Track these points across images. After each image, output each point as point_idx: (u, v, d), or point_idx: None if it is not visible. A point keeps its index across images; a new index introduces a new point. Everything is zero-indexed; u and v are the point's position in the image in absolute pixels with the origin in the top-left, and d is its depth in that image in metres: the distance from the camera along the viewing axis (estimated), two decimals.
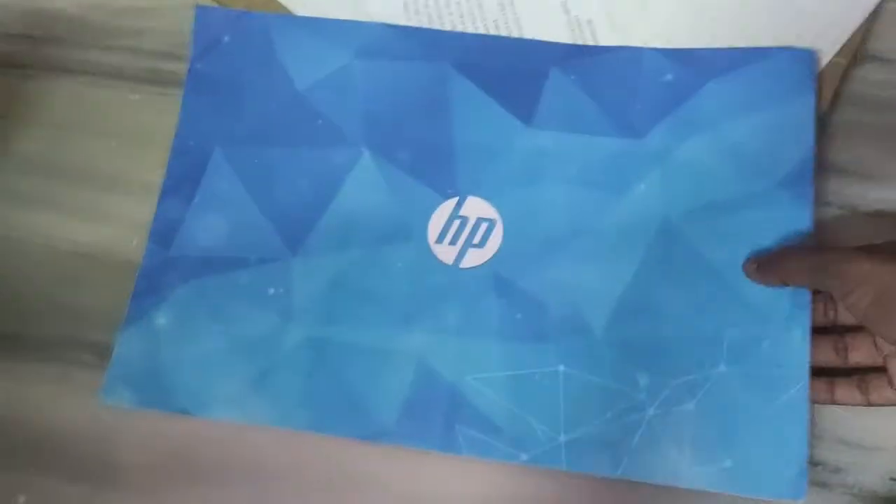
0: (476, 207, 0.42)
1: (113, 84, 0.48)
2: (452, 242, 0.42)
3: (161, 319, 0.41)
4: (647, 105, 0.43)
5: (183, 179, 0.44)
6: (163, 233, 0.43)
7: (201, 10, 0.47)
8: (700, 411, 0.38)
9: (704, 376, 0.38)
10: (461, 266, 0.41)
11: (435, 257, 0.41)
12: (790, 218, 0.40)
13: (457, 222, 0.42)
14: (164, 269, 0.42)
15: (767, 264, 0.38)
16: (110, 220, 0.45)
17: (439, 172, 0.43)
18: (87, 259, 0.45)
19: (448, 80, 0.44)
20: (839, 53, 0.43)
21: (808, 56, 0.42)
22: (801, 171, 0.41)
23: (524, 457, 0.38)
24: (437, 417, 0.39)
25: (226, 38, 0.46)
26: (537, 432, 0.38)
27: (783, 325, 0.38)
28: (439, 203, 0.42)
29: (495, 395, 0.39)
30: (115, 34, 0.49)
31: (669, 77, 0.43)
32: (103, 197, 0.46)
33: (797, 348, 0.38)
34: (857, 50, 0.44)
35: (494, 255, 0.41)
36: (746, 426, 0.37)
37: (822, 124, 0.43)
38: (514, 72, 0.44)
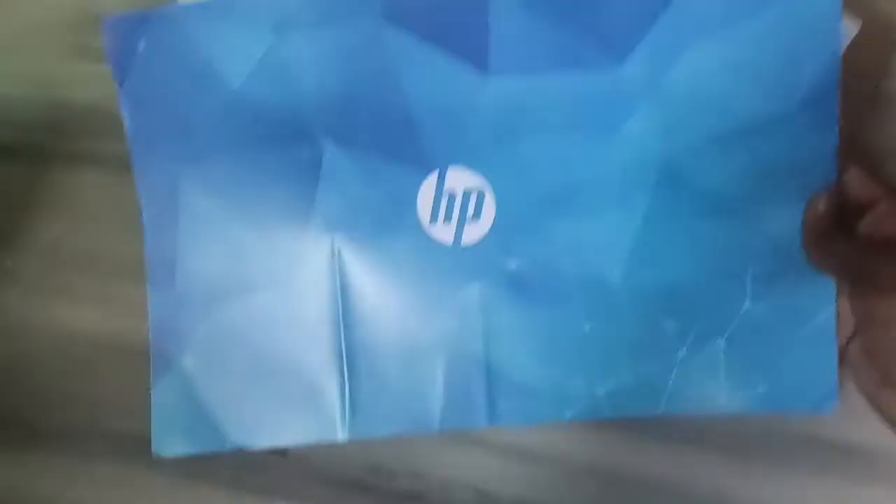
0: (459, 178, 0.39)
1: None
2: (447, 221, 0.39)
3: (188, 362, 0.42)
4: (618, 18, 0.36)
5: (159, 213, 0.41)
6: (160, 275, 0.42)
7: (107, 23, 0.40)
8: (731, 346, 0.38)
9: (731, 314, 0.38)
10: (463, 244, 0.39)
11: (433, 240, 0.39)
12: (810, 144, 0.35)
13: (445, 199, 0.39)
14: (174, 311, 0.42)
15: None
16: (128, 310, 0.44)
17: (408, 147, 0.39)
18: (103, 349, 0.45)
19: (381, 37, 0.38)
20: None
21: None
22: (823, 90, 0.35)
23: (568, 414, 0.40)
24: (478, 397, 0.40)
25: (141, 46, 0.40)
26: (575, 390, 0.39)
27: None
28: (420, 181, 0.39)
29: (528, 364, 0.40)
30: None
31: None
32: (124, 287, 0.44)
33: (822, 276, 0.36)
34: None
35: (493, 226, 0.39)
36: (778, 354, 0.38)
37: None
38: (450, 6, 0.37)
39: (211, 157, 0.41)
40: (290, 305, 0.41)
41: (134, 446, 0.43)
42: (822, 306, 0.37)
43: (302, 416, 0.42)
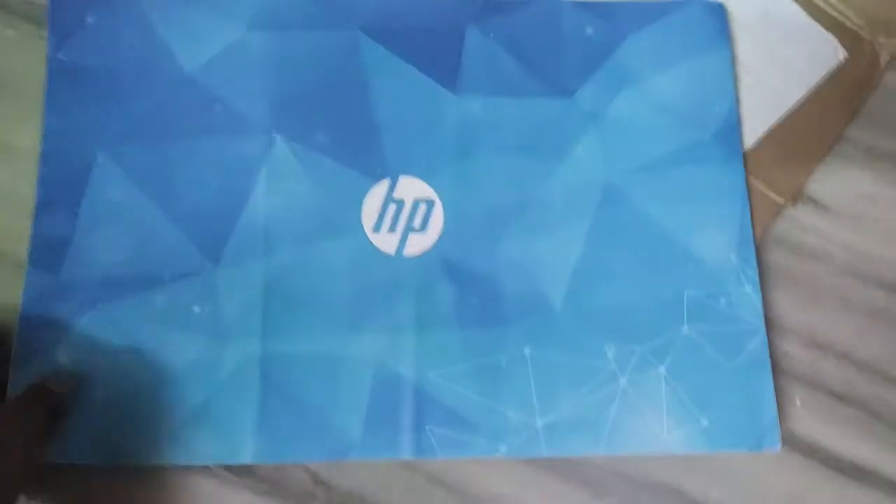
0: (411, 188, 0.38)
1: None
2: (391, 230, 0.38)
3: (62, 357, 0.35)
4: (571, 61, 0.40)
5: (61, 190, 0.37)
6: (45, 255, 0.36)
7: None
8: (671, 374, 0.37)
9: (670, 339, 0.38)
10: (405, 254, 0.38)
11: (375, 248, 0.38)
12: (724, 172, 0.40)
13: (392, 207, 0.38)
14: (54, 297, 0.36)
15: None
16: None
17: (364, 153, 0.39)
18: None
19: (359, 48, 0.40)
20: (779, 192, 0.41)
21: (720, 8, 0.42)
22: (728, 125, 0.40)
23: (503, 448, 0.36)
24: (405, 422, 0.36)
25: (89, 19, 0.39)
26: (513, 421, 0.36)
27: (734, 280, 0.39)
28: (370, 187, 0.38)
29: (463, 389, 0.37)
30: None
31: (590, 31, 0.41)
32: None
33: (751, 302, 0.38)
34: (798, 190, 0.42)
35: (439, 239, 0.38)
36: (717, 384, 0.37)
37: None
38: (429, 33, 0.40)
39: (141, 141, 0.38)
40: (201, 307, 0.37)
41: None
42: (753, 334, 0.38)
43: (204, 432, 0.35)
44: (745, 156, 0.41)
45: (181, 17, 0.39)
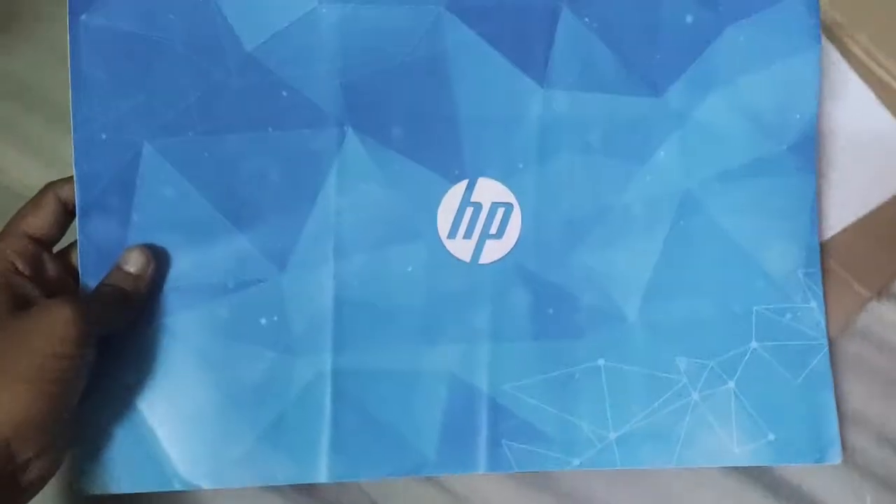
0: (489, 190, 0.36)
1: None
2: (467, 236, 0.36)
3: (130, 377, 0.33)
4: (666, 52, 0.37)
5: (105, 190, 0.33)
6: (98, 266, 0.33)
7: None
8: (740, 389, 0.37)
9: (739, 354, 0.38)
10: (481, 262, 0.36)
11: (450, 255, 0.36)
12: (796, 185, 0.38)
13: (469, 210, 0.36)
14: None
15: None
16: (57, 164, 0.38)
17: (442, 151, 0.36)
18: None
19: (442, 27, 0.36)
20: (865, 284, 0.40)
21: (816, 4, 0.39)
22: (806, 136, 0.39)
23: (576, 462, 0.36)
24: (481, 436, 0.36)
25: None
26: (587, 433, 0.36)
27: (801, 296, 0.38)
28: (446, 189, 0.36)
29: (538, 402, 0.36)
30: None
31: (690, 19, 0.38)
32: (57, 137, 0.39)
33: (815, 318, 0.38)
34: (885, 285, 0.40)
35: (515, 245, 0.36)
36: (782, 399, 0.38)
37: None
38: (520, 13, 0.36)
39: (194, 131, 0.34)
40: (268, 318, 0.34)
41: None
42: (817, 350, 0.38)
43: (273, 451, 0.34)
44: (827, 242, 0.40)
45: None
